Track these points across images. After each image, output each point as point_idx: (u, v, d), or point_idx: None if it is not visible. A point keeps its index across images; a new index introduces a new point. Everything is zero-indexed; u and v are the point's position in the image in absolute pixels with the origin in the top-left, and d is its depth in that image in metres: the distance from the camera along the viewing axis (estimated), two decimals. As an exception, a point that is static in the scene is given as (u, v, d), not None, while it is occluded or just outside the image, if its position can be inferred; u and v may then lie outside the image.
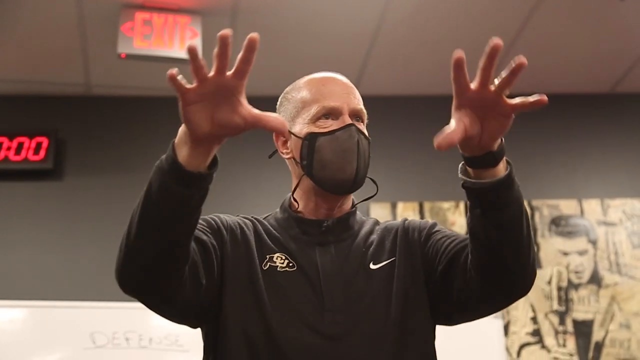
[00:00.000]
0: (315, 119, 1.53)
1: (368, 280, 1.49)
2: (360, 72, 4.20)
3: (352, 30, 3.96)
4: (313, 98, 1.55)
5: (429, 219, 1.67)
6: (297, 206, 1.58)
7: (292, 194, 1.59)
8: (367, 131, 1.57)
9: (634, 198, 4.41)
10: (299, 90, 1.59)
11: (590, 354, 4.09)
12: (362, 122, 1.57)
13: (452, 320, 1.54)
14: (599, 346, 4.11)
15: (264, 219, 1.61)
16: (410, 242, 1.55)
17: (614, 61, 4.36)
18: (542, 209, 4.36)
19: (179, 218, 1.26)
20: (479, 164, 1.28)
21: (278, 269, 1.49)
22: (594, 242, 4.32)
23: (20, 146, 4.19)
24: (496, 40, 1.16)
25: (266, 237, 1.54)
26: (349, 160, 1.50)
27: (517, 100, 1.21)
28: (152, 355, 3.54)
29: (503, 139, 1.28)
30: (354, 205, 1.61)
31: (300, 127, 1.55)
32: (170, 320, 1.45)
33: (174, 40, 3.59)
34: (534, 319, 4.10)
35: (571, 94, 4.61)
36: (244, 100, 1.19)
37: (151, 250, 1.27)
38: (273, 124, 1.18)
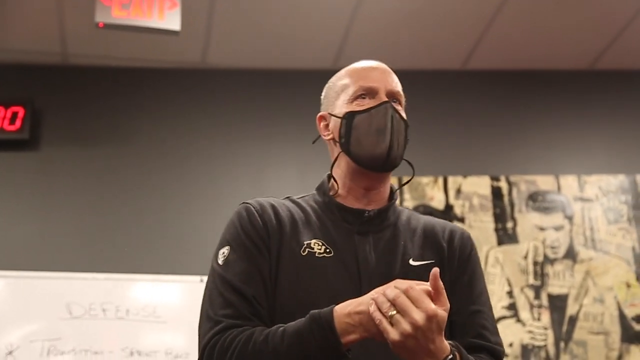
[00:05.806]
0: (353, 99, 1.62)
1: (407, 276, 1.47)
2: (339, 48, 4.18)
3: (332, 4, 3.94)
4: (352, 81, 1.65)
5: (463, 227, 1.66)
6: (336, 187, 1.61)
7: (331, 172, 1.63)
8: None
9: (610, 174, 4.45)
10: (340, 77, 1.69)
11: (564, 328, 4.14)
12: (400, 104, 1.65)
13: None
14: (573, 320, 4.16)
15: (299, 199, 1.65)
16: (450, 258, 1.59)
17: (592, 38, 4.36)
18: (519, 185, 4.38)
19: None
20: None
21: (316, 255, 1.51)
22: (570, 218, 4.35)
23: (-5, 116, 4.14)
24: None
25: (304, 223, 1.57)
26: (382, 135, 1.56)
27: None
28: (129, 326, 3.53)
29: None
30: (392, 194, 1.65)
31: (340, 109, 1.63)
32: None
33: (153, 10, 3.53)
34: (510, 293, 4.13)
35: (550, 70, 4.62)
36: None
37: None
38: None
